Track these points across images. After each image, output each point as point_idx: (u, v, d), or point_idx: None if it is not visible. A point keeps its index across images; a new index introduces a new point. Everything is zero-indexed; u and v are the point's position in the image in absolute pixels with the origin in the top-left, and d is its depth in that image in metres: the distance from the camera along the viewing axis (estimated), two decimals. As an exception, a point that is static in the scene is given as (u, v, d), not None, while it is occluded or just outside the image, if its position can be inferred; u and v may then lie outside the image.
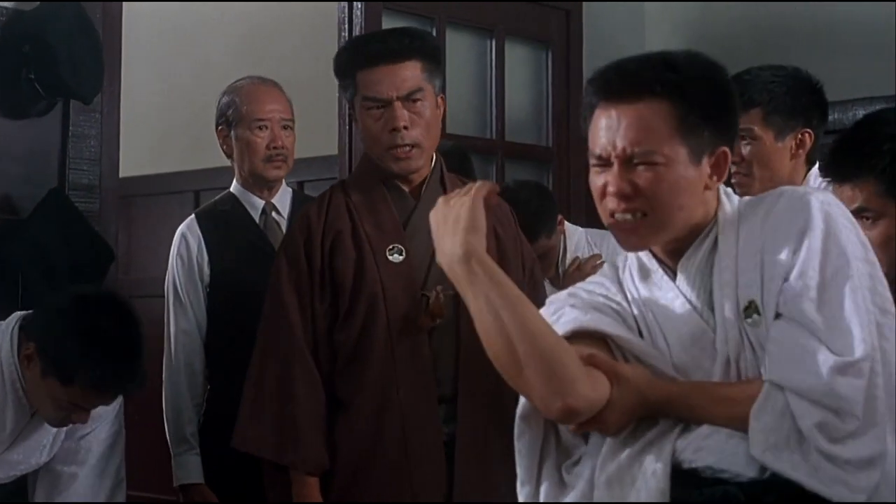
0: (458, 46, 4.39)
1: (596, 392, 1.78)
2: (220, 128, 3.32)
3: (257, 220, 3.31)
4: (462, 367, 2.69)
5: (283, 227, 3.29)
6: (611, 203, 1.87)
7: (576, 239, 3.67)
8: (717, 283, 1.85)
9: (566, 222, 3.72)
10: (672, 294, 1.89)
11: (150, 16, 5.68)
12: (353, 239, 2.75)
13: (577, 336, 1.85)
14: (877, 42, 4.28)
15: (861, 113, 4.26)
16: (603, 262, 3.34)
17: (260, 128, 3.24)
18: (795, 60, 2.97)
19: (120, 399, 2.78)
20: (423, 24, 4.21)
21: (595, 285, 1.98)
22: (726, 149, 1.88)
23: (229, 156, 3.34)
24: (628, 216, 1.85)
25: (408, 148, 2.73)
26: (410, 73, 2.73)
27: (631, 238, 1.89)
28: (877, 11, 4.33)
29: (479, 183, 1.92)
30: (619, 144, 1.85)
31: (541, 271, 3.02)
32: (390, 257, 2.73)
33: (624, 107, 1.85)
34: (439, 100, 2.80)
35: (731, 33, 4.68)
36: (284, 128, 3.27)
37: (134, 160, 5.64)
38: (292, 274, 2.73)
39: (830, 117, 2.93)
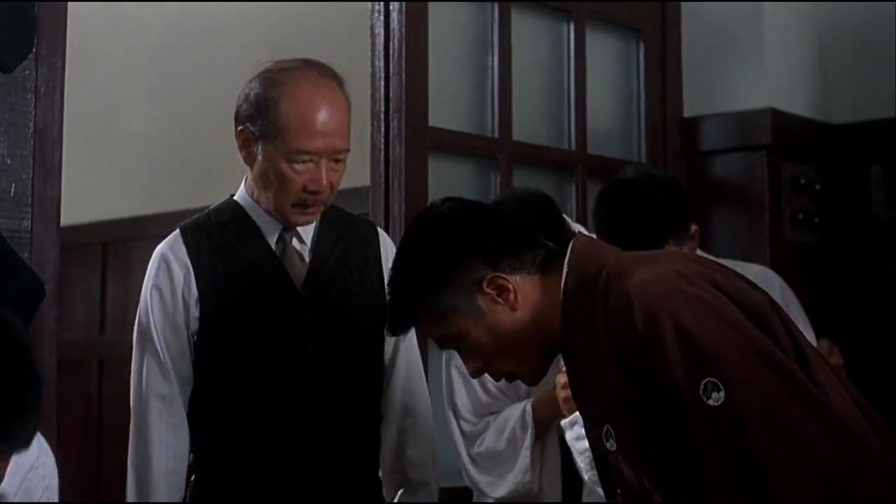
0: (525, 30, 3.58)
1: None
2: (241, 128, 2.45)
3: (272, 245, 2.47)
4: None
5: (306, 259, 2.47)
6: None
7: None
8: None
9: None
10: None
11: (149, 30, 5.18)
12: None
13: None
14: None
15: None
16: None
17: (302, 162, 2.39)
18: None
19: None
20: (483, 2, 3.47)
21: None
22: None
23: (249, 165, 2.49)
24: None
25: None
26: None
27: None
28: None
29: None
30: None
31: None
32: None
33: None
34: None
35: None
36: (335, 161, 2.41)
37: (128, 198, 5.07)
38: None
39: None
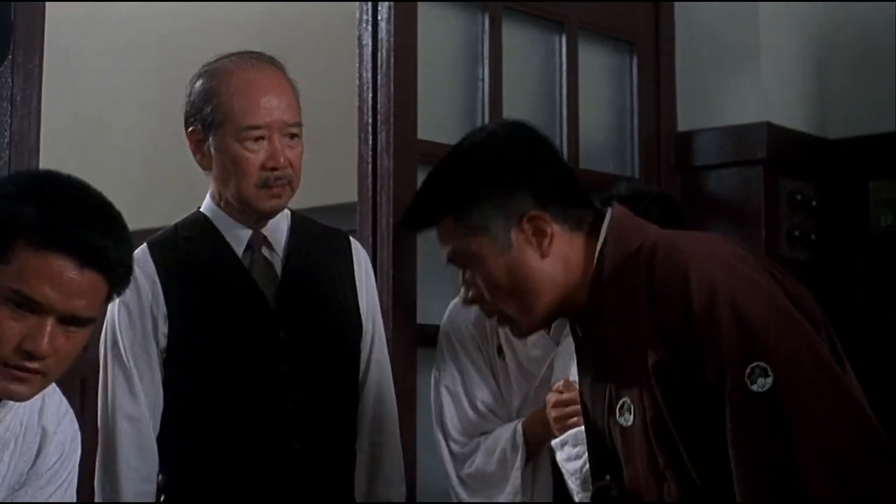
0: (516, 42, 3.54)
1: None
2: (190, 129, 2.44)
3: (240, 255, 2.44)
4: None
5: (278, 268, 2.44)
6: None
7: None
8: None
9: None
10: None
11: (136, 38, 5.11)
12: None
13: None
14: None
15: None
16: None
17: (254, 139, 2.37)
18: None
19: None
20: (473, 12, 3.40)
21: None
22: None
23: (206, 168, 2.46)
24: None
25: None
26: None
27: None
28: None
29: None
30: None
31: None
32: None
33: None
34: None
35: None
36: (290, 136, 2.40)
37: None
38: None
39: None
